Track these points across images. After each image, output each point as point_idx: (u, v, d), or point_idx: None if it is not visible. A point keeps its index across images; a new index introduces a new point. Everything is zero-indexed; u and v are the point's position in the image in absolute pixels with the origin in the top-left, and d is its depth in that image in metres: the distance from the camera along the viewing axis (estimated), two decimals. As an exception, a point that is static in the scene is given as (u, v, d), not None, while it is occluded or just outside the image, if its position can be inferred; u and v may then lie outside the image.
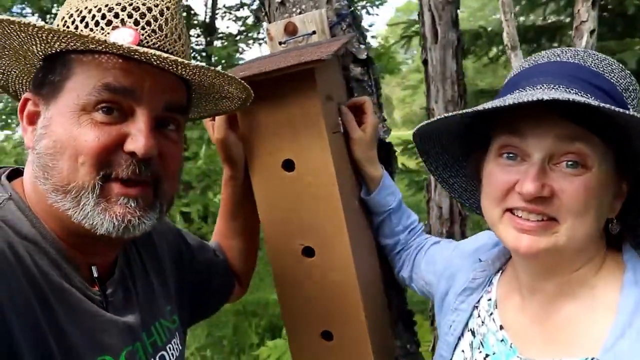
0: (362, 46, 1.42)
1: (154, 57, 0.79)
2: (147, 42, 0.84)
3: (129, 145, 0.81)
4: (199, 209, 5.91)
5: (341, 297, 1.18)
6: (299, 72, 1.09)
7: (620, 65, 0.87)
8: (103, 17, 0.83)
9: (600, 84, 0.82)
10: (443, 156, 1.06)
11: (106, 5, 0.83)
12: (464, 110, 0.86)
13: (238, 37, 8.85)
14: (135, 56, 0.79)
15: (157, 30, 0.86)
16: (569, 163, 0.81)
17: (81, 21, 0.83)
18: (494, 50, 4.60)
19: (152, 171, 0.85)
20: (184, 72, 0.85)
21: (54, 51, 0.84)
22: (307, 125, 1.14)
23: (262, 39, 8.56)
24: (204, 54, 8.23)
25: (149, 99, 0.83)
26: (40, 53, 0.86)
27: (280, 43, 1.37)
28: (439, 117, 0.90)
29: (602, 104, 0.73)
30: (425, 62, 2.13)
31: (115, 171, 0.81)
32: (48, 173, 0.81)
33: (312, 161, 1.15)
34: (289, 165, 1.17)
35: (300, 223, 1.19)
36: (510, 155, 0.87)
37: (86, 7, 0.84)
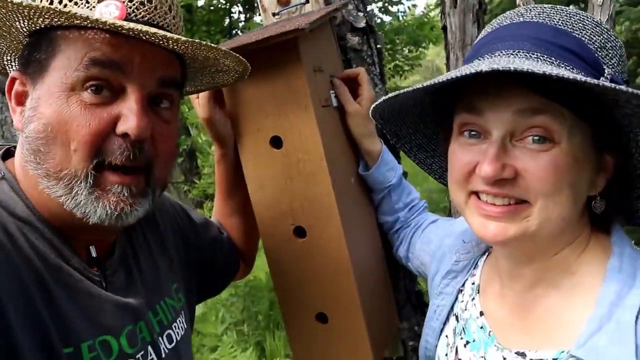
0: (361, 14, 1.33)
1: (142, 32, 0.74)
2: (135, 16, 0.80)
3: (121, 127, 0.77)
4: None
5: (334, 278, 1.14)
6: (282, 43, 1.03)
7: (596, 20, 0.75)
8: None
9: (567, 45, 0.72)
10: (416, 137, 0.97)
11: None
12: (408, 89, 0.77)
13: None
14: (123, 32, 0.75)
15: (145, 2, 0.81)
16: (535, 138, 0.71)
17: None
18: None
19: (145, 156, 0.81)
20: (175, 47, 0.80)
21: (38, 27, 0.80)
22: (292, 99, 1.08)
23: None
24: (245, 31, 8.22)
25: (139, 74, 0.79)
26: (25, 29, 0.82)
27: (273, 14, 1.31)
28: (386, 97, 0.81)
29: (562, 74, 0.61)
30: (444, 28, 1.99)
31: (109, 158, 0.78)
32: (40, 158, 0.78)
33: (300, 137, 1.09)
34: (277, 142, 1.12)
35: (290, 202, 1.14)
36: (472, 132, 0.78)
37: None
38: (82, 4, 0.79)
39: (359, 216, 1.23)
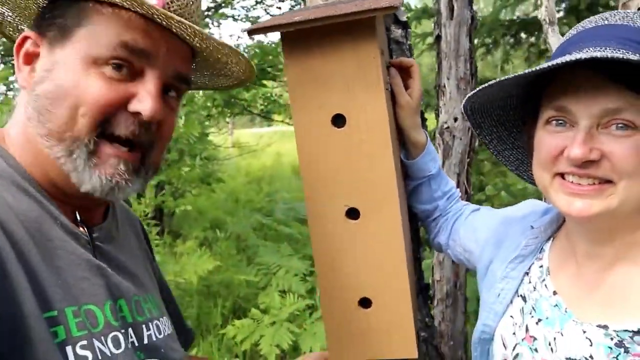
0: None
1: (179, 23, 0.77)
2: (170, 7, 0.82)
3: (136, 105, 0.79)
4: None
5: (385, 262, 1.14)
6: (358, 21, 1.03)
7: None
8: None
9: None
10: (497, 129, 1.05)
11: None
12: (505, 77, 0.87)
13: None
14: (159, 19, 0.77)
15: None
16: (619, 125, 0.81)
17: None
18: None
19: (148, 136, 0.83)
20: (199, 44, 0.84)
21: None
22: (363, 78, 1.08)
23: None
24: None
25: (163, 63, 0.82)
26: None
27: (320, -4, 1.29)
28: (481, 86, 0.89)
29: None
30: (438, 37, 2.11)
31: (114, 129, 0.79)
32: (44, 117, 0.78)
33: (366, 117, 1.09)
34: (339, 121, 1.11)
35: (347, 183, 1.13)
36: (560, 121, 0.87)
37: None
38: None
39: (404, 202, 1.25)
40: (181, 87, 0.89)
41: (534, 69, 0.83)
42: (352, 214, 1.14)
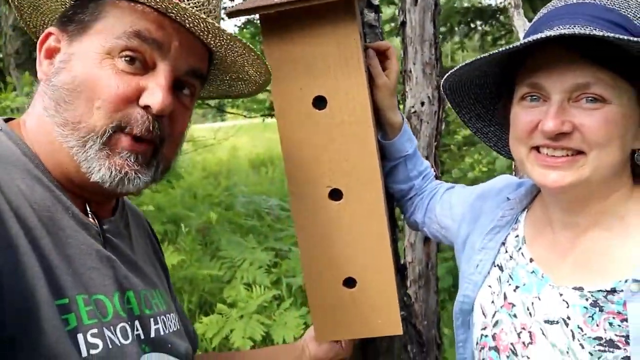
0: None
1: (193, 16, 0.78)
2: (186, 2, 0.83)
3: (146, 99, 0.80)
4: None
5: (369, 242, 1.16)
6: (338, 3, 1.04)
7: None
8: None
9: (615, 19, 0.86)
10: (475, 107, 1.10)
11: None
12: (479, 56, 0.91)
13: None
14: (172, 13, 0.79)
15: None
16: (589, 99, 0.86)
17: None
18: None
19: (160, 131, 0.84)
20: (212, 42, 0.85)
21: None
22: (343, 60, 1.09)
23: None
24: None
25: (174, 57, 0.83)
26: None
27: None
28: (458, 66, 0.94)
29: (608, 34, 0.77)
30: (403, 23, 2.14)
31: (129, 126, 0.81)
32: (61, 107, 0.79)
33: (347, 99, 1.10)
34: (320, 103, 1.12)
35: (329, 164, 1.14)
36: (533, 97, 0.92)
37: None
38: None
39: (383, 183, 1.27)
40: (195, 84, 0.89)
41: (506, 48, 0.88)
42: (335, 195, 1.16)
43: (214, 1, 0.88)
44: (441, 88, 1.03)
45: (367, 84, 1.14)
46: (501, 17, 4.54)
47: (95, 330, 0.74)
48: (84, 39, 0.81)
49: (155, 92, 0.80)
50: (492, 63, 0.97)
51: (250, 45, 0.86)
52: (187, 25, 0.82)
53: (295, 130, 1.14)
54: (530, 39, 0.84)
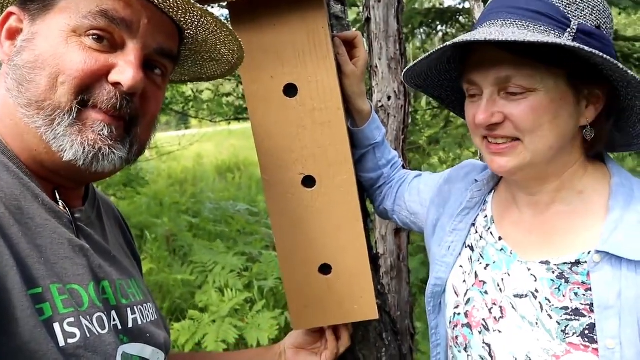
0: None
1: None
2: None
3: (115, 76, 0.78)
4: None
5: (342, 226, 1.17)
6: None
7: None
8: None
9: (537, 8, 0.90)
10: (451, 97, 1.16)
11: None
12: (422, 57, 0.99)
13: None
14: None
15: None
16: (513, 90, 0.91)
17: None
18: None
19: (130, 109, 0.81)
20: (182, 18, 0.83)
21: None
22: (313, 48, 1.10)
23: None
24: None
25: (143, 34, 0.81)
26: None
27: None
28: (411, 63, 1.02)
29: (511, 38, 0.83)
30: (367, 20, 2.18)
31: (94, 99, 0.78)
32: (23, 86, 0.76)
33: (317, 86, 1.12)
34: (290, 91, 1.13)
35: (301, 151, 1.15)
36: (473, 92, 0.98)
37: None
38: None
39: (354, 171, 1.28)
40: (166, 64, 0.88)
41: (436, 49, 0.95)
42: (308, 181, 1.17)
43: None
44: (403, 80, 1.09)
45: (336, 72, 1.16)
46: (461, 19, 4.66)
47: (72, 320, 0.72)
48: (47, 17, 0.78)
49: (125, 69, 0.78)
50: (441, 63, 1.06)
51: (223, 21, 0.84)
52: (156, 2, 0.79)
53: (266, 118, 1.15)
54: (447, 44, 0.92)
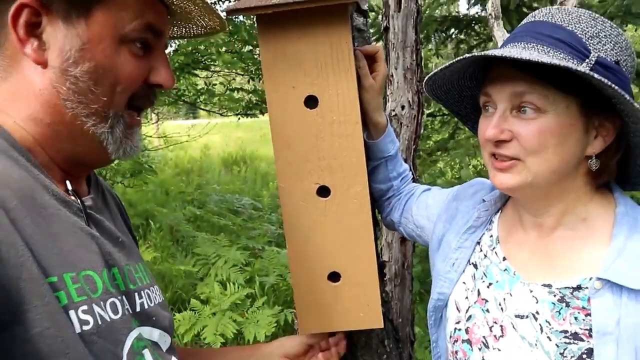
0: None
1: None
2: None
3: (157, 78, 0.90)
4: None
5: (354, 235, 1.20)
6: (333, 7, 1.09)
7: (594, 15, 0.96)
8: None
9: (560, 36, 0.93)
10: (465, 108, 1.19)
11: None
12: (439, 67, 1.03)
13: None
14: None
15: None
16: (526, 108, 0.93)
17: None
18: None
19: None
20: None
21: None
22: (335, 61, 1.13)
23: None
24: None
25: (165, 37, 0.93)
26: None
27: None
28: (433, 71, 1.04)
29: (526, 56, 0.86)
30: (386, 29, 2.20)
31: (136, 101, 0.89)
32: (89, 98, 0.83)
33: (337, 99, 1.14)
34: (311, 102, 1.16)
35: (318, 162, 1.18)
36: (487, 107, 1.01)
37: None
38: None
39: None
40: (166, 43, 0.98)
41: (456, 59, 0.98)
42: (323, 191, 1.20)
43: None
44: (424, 89, 1.12)
45: (357, 85, 1.19)
46: (476, 27, 4.67)
47: (85, 307, 0.74)
48: (90, 23, 0.81)
49: (161, 70, 0.90)
50: (465, 77, 1.08)
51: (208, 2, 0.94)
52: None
53: (286, 128, 1.17)
54: (467, 55, 0.95)
